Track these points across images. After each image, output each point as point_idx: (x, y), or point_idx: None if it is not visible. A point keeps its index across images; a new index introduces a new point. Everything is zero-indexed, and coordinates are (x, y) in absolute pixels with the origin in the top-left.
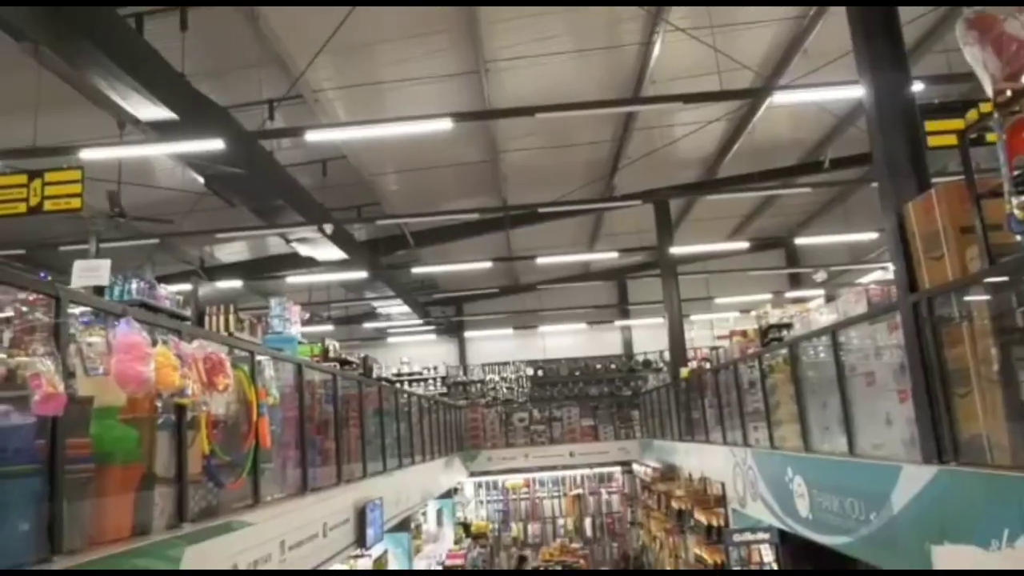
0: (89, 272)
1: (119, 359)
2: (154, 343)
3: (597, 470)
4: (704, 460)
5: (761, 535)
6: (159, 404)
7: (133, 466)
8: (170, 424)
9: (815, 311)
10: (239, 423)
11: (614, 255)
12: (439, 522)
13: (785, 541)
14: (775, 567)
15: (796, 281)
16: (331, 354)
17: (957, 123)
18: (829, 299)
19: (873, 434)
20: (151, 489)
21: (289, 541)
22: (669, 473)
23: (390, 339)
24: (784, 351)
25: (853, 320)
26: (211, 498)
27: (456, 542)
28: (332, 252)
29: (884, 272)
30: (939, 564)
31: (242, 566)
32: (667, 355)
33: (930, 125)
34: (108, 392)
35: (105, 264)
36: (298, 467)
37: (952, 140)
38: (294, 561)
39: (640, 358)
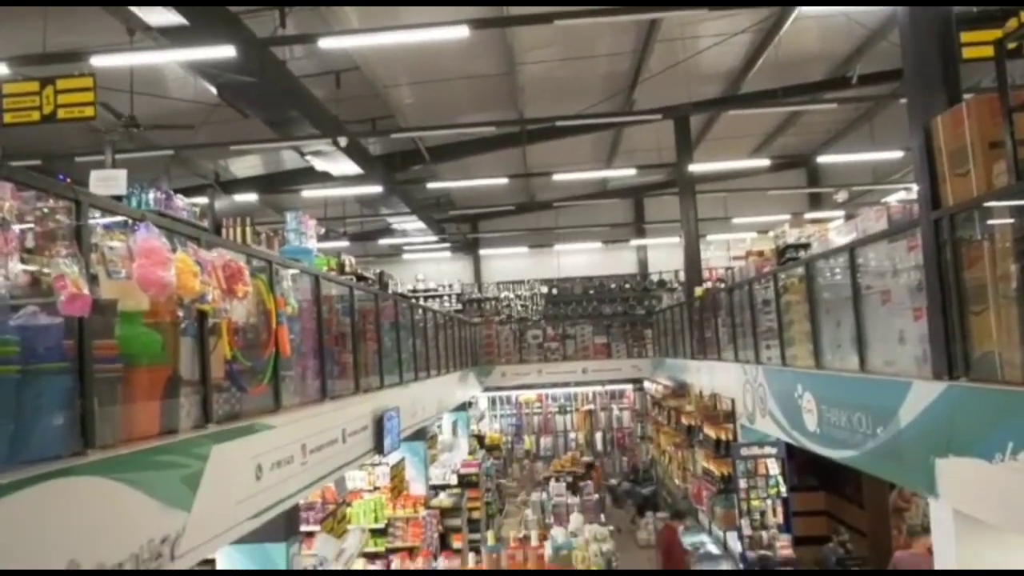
0: (106, 181)
1: (140, 264)
2: (173, 250)
3: (609, 387)
4: (715, 378)
5: (768, 449)
6: (180, 312)
7: (159, 368)
8: (192, 330)
9: (833, 231)
10: (259, 331)
11: (632, 172)
12: (454, 433)
13: (791, 456)
14: (780, 480)
15: (816, 202)
16: (347, 269)
17: (995, 33)
18: (848, 218)
19: (885, 352)
20: (176, 391)
21: (310, 445)
22: (680, 390)
23: (405, 256)
24: (800, 270)
25: (872, 238)
26: (234, 403)
27: (470, 453)
28: (347, 166)
29: (907, 193)
30: (942, 476)
31: (266, 467)
32: (682, 275)
33: (966, 36)
34: (131, 296)
35: (122, 174)
36: (317, 376)
37: (988, 52)
38: (315, 463)
39: (655, 278)
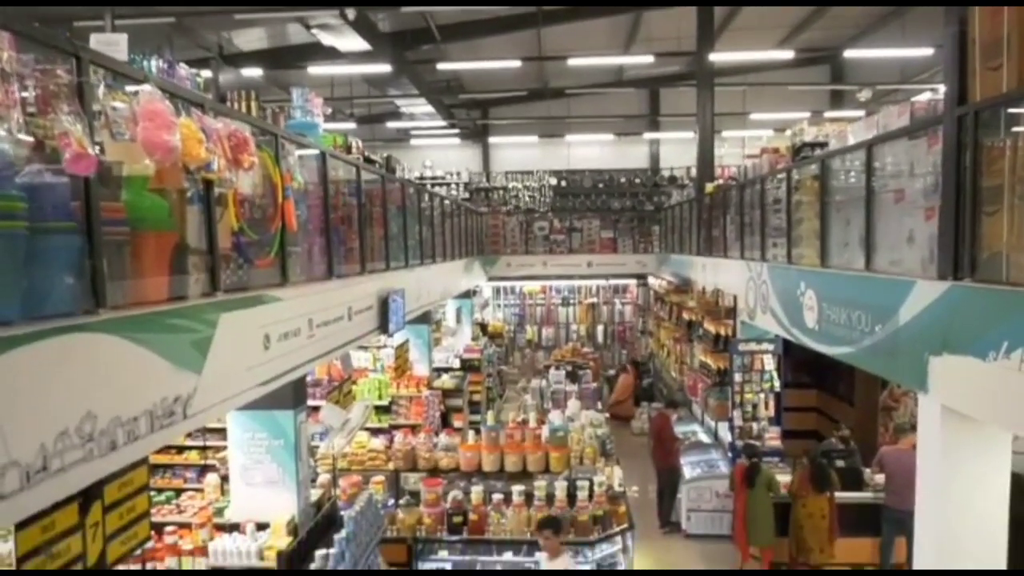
0: (106, 46)
1: (144, 127)
2: (178, 115)
3: (613, 281)
4: (719, 275)
5: (766, 345)
6: (186, 182)
7: (166, 234)
8: (199, 198)
9: (853, 130)
10: (265, 205)
11: (649, 60)
12: (458, 320)
13: (787, 353)
14: (775, 375)
15: (838, 100)
16: (354, 151)
17: None
18: (870, 115)
19: (892, 252)
20: (184, 258)
21: (316, 320)
22: (683, 286)
23: (413, 141)
24: (815, 167)
25: (892, 134)
26: (242, 274)
27: (473, 339)
28: (355, 42)
29: (933, 95)
30: (934, 373)
31: (273, 337)
32: (694, 171)
33: None
34: (136, 158)
35: (122, 38)
36: (324, 255)
37: None
38: (322, 338)
39: (666, 173)
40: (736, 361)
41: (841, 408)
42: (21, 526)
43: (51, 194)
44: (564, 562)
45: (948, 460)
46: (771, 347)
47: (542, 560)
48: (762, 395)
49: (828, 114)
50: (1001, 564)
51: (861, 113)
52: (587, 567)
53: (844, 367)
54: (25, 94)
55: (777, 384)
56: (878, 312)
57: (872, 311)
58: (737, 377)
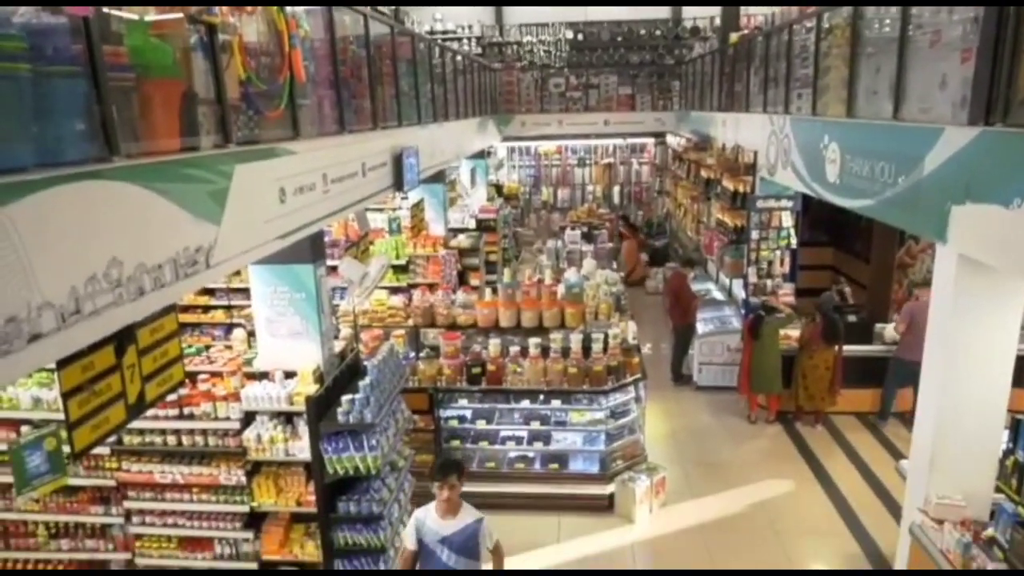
0: None
1: None
2: None
3: (630, 140)
4: (740, 130)
5: (784, 202)
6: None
7: (173, 81)
8: (203, 45)
9: None
10: (273, 55)
11: None
12: (472, 181)
13: (805, 211)
14: (792, 232)
15: None
16: None
17: None
18: None
19: (922, 100)
20: (193, 107)
21: (331, 175)
22: (702, 144)
23: None
24: (846, 10)
25: None
26: (253, 126)
27: (488, 199)
28: None
29: None
30: (955, 222)
31: (289, 191)
32: (717, 21)
33: None
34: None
35: None
36: (334, 109)
37: None
38: (337, 194)
39: (688, 24)
40: (753, 218)
41: (856, 266)
42: (63, 365)
43: (51, 36)
44: (463, 519)
45: (960, 309)
46: (789, 204)
47: (431, 514)
48: (778, 252)
49: None
50: (1002, 412)
51: None
52: (600, 415)
53: (861, 225)
54: None
55: (794, 241)
56: (902, 162)
57: (896, 161)
58: (754, 235)
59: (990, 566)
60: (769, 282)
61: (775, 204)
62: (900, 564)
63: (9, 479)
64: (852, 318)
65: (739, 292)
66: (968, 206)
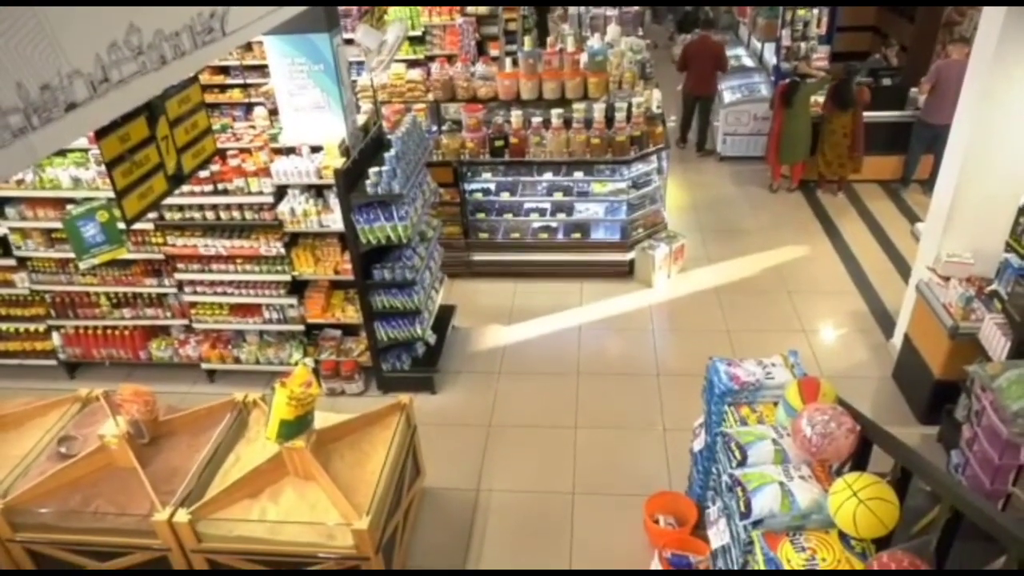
0: None
1: None
2: None
3: None
4: None
5: None
6: None
7: None
8: None
9: None
10: None
11: None
12: None
13: None
14: None
15: None
16: None
17: None
18: None
19: None
20: None
21: None
22: None
23: None
24: None
25: None
26: None
27: None
28: None
29: None
30: None
31: None
32: None
33: None
34: None
35: None
36: None
37: None
38: None
39: None
40: None
41: (899, 25)
42: (100, 136)
43: None
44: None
45: (1000, 63)
46: None
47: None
48: (816, 11)
49: None
50: (1021, 179)
51: None
52: (623, 185)
53: None
54: None
55: None
56: None
57: None
58: None
59: (987, 318)
60: (803, 45)
61: None
62: (903, 319)
63: (71, 255)
64: (887, 82)
65: (770, 57)
66: None
